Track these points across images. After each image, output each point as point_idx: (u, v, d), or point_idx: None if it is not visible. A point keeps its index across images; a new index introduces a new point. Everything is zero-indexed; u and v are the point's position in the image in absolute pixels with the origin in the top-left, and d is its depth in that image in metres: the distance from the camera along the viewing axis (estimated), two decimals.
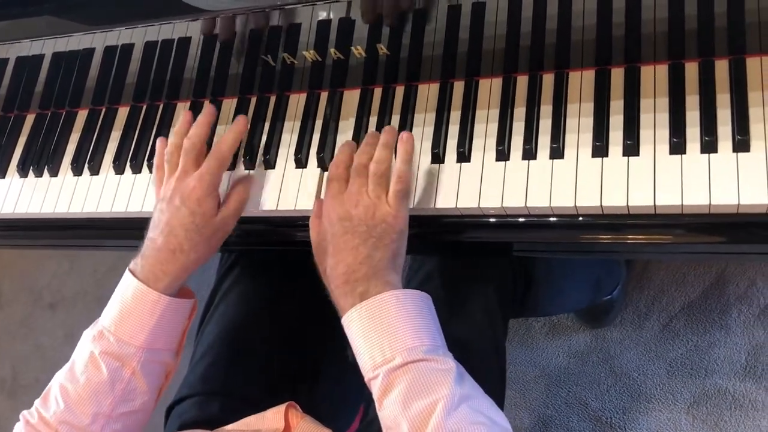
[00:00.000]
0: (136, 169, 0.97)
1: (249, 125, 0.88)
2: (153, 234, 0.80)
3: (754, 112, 0.71)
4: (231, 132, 0.84)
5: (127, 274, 0.80)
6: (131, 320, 0.78)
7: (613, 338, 1.43)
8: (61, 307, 2.01)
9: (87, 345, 0.79)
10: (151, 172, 0.96)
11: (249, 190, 0.86)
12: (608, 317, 1.42)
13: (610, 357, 1.42)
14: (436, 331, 0.72)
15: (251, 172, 0.89)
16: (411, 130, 0.85)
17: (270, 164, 0.90)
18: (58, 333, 1.99)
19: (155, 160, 0.88)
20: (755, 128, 0.70)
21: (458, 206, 0.79)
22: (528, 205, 0.76)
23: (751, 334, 1.35)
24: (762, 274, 1.38)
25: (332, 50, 0.84)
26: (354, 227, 0.75)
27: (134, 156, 0.98)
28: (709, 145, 0.71)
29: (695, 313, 1.39)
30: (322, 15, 0.85)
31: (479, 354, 0.87)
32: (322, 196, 0.82)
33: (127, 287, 0.79)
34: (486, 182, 0.79)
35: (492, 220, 0.80)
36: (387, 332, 0.69)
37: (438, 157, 0.82)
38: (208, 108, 0.86)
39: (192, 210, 0.79)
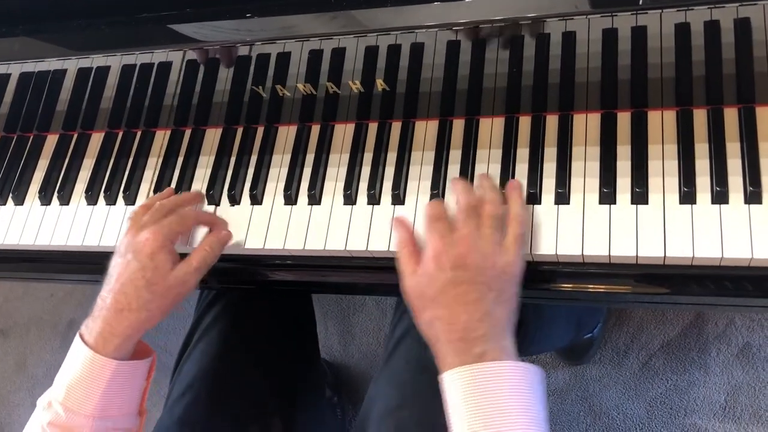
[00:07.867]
0: (110, 201, 0.91)
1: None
2: (104, 292, 0.75)
3: (766, 164, 0.70)
4: (188, 193, 0.85)
5: (77, 339, 0.75)
6: (79, 388, 0.73)
7: (592, 376, 1.41)
8: (13, 333, 1.90)
9: (38, 415, 0.74)
10: (126, 203, 0.90)
11: (219, 249, 0.80)
12: (587, 354, 1.40)
13: (589, 395, 1.40)
14: (544, 418, 0.63)
15: (224, 232, 0.82)
16: (409, 169, 0.81)
17: (257, 200, 0.85)
18: (9, 361, 1.88)
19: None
20: (767, 180, 0.69)
21: None
22: (533, 251, 0.73)
23: (729, 374, 1.34)
24: (740, 313, 1.37)
25: (328, 84, 0.80)
26: (472, 278, 0.66)
27: (108, 186, 0.92)
28: (720, 196, 0.69)
29: (674, 352, 1.38)
30: (315, 46, 0.81)
31: None
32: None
33: (77, 353, 0.74)
34: None
35: None
36: (496, 408, 0.61)
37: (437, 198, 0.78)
38: (193, 191, 0.88)
39: (143, 264, 0.74)
